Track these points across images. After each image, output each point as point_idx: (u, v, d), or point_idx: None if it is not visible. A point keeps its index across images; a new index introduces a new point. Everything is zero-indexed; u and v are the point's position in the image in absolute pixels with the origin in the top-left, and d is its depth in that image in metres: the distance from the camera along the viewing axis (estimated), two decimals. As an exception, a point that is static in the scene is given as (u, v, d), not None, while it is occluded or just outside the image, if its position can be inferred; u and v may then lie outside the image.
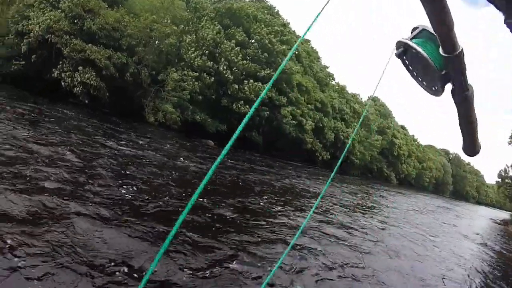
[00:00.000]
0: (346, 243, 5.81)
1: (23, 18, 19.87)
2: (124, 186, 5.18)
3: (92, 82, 19.22)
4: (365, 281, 4.35)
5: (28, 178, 4.36)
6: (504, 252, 9.38)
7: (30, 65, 19.81)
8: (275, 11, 30.72)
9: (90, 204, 4.08)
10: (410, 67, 0.84)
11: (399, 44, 0.81)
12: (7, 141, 5.64)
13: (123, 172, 6.11)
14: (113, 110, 20.92)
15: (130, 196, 4.83)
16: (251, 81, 23.20)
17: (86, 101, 19.66)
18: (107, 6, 22.21)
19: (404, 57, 0.82)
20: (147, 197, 5.00)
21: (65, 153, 5.93)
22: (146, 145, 9.89)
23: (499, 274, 6.44)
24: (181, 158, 9.67)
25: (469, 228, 15.48)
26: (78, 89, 19.10)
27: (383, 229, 8.15)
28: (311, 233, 5.48)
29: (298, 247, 4.44)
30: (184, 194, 5.70)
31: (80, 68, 19.28)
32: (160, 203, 4.86)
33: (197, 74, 21.60)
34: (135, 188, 5.24)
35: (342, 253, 5.03)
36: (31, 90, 19.05)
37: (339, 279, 4.04)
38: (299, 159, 26.26)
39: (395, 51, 0.83)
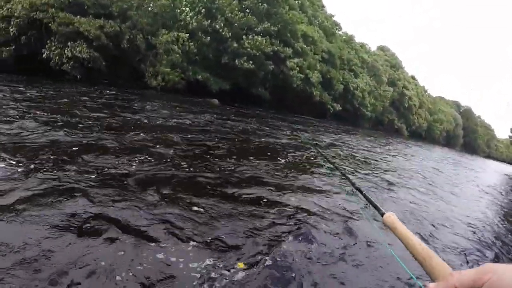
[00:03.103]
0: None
1: (7, 2, 18.34)
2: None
3: (84, 55, 18.02)
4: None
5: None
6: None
7: (21, 48, 18.14)
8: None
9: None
10: None
11: None
12: None
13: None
14: (113, 80, 20.12)
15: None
16: (250, 36, 21.96)
17: (79, 76, 18.46)
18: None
19: None
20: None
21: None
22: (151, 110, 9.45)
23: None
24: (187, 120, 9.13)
25: (490, 182, 14.87)
26: (68, 65, 17.93)
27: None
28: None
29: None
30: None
31: (69, 43, 18.02)
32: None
33: (187, 34, 20.36)
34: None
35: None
36: (25, 73, 16.53)
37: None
38: (309, 113, 25.47)
39: None
